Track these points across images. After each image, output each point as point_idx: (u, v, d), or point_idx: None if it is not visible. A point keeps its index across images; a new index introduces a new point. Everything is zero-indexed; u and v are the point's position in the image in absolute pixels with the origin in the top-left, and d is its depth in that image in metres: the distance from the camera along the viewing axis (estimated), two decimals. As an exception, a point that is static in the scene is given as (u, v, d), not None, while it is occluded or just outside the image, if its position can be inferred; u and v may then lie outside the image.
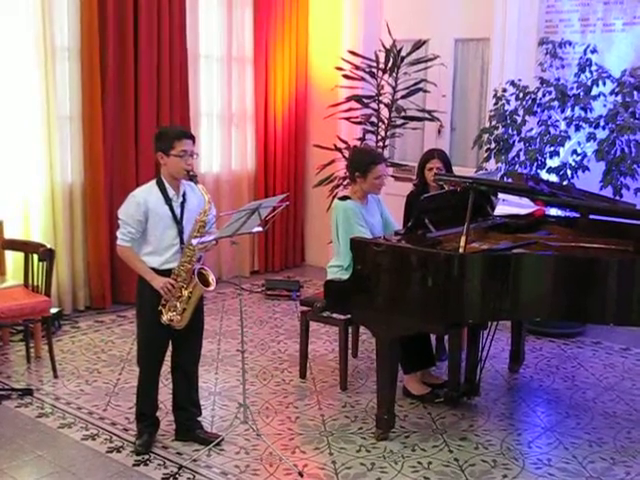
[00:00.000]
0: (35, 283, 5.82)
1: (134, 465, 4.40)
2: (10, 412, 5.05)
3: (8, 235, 6.32)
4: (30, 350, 5.93)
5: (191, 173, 4.40)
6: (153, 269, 4.41)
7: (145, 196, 4.39)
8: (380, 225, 5.37)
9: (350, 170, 5.33)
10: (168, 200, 4.41)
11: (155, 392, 4.64)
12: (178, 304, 4.38)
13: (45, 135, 6.76)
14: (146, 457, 4.47)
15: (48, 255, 5.71)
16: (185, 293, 4.39)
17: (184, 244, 4.41)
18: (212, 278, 4.48)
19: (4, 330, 6.03)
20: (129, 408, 4.94)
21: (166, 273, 4.40)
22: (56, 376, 5.61)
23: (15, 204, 6.69)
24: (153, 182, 4.48)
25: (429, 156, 5.73)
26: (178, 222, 4.42)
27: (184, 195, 4.47)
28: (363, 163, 5.22)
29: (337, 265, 5.26)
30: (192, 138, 4.48)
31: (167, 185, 4.43)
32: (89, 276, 7.23)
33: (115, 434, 4.77)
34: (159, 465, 4.40)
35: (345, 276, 5.05)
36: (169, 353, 4.65)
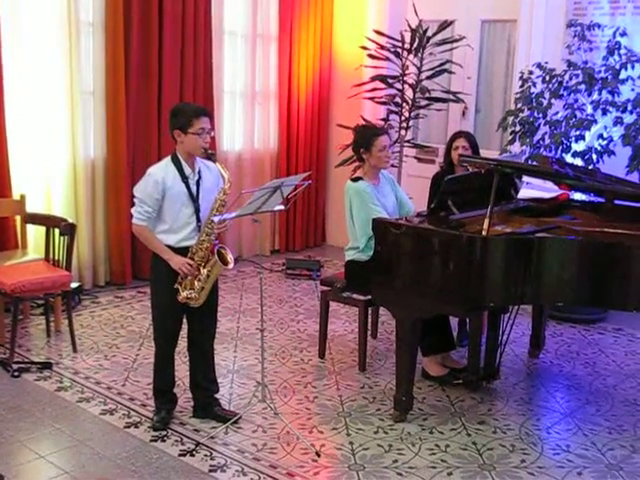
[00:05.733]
0: (56, 257, 5.84)
1: (151, 441, 4.41)
2: (29, 385, 5.08)
3: (30, 209, 6.32)
4: (50, 324, 5.97)
5: (209, 151, 4.37)
6: (169, 247, 4.39)
7: (162, 174, 4.35)
8: (394, 206, 5.35)
9: (355, 149, 5.34)
10: (185, 178, 4.38)
11: (171, 368, 4.64)
12: (197, 282, 4.37)
13: (68, 110, 6.75)
14: (163, 433, 4.48)
15: (69, 230, 5.73)
16: (204, 272, 4.37)
17: (201, 222, 4.40)
18: (230, 257, 4.45)
19: (25, 304, 6.05)
20: (147, 384, 4.95)
21: (182, 251, 4.38)
22: (75, 350, 5.64)
23: (37, 178, 6.69)
24: (168, 159, 4.44)
25: (456, 136, 5.72)
26: (194, 200, 4.40)
27: (199, 173, 4.44)
28: (365, 137, 5.25)
29: (354, 247, 5.24)
30: (209, 115, 4.45)
31: (183, 163, 4.39)
32: (110, 251, 7.25)
33: (133, 409, 4.78)
34: (176, 441, 4.41)
35: (363, 257, 5.04)
36: (186, 330, 4.66)
